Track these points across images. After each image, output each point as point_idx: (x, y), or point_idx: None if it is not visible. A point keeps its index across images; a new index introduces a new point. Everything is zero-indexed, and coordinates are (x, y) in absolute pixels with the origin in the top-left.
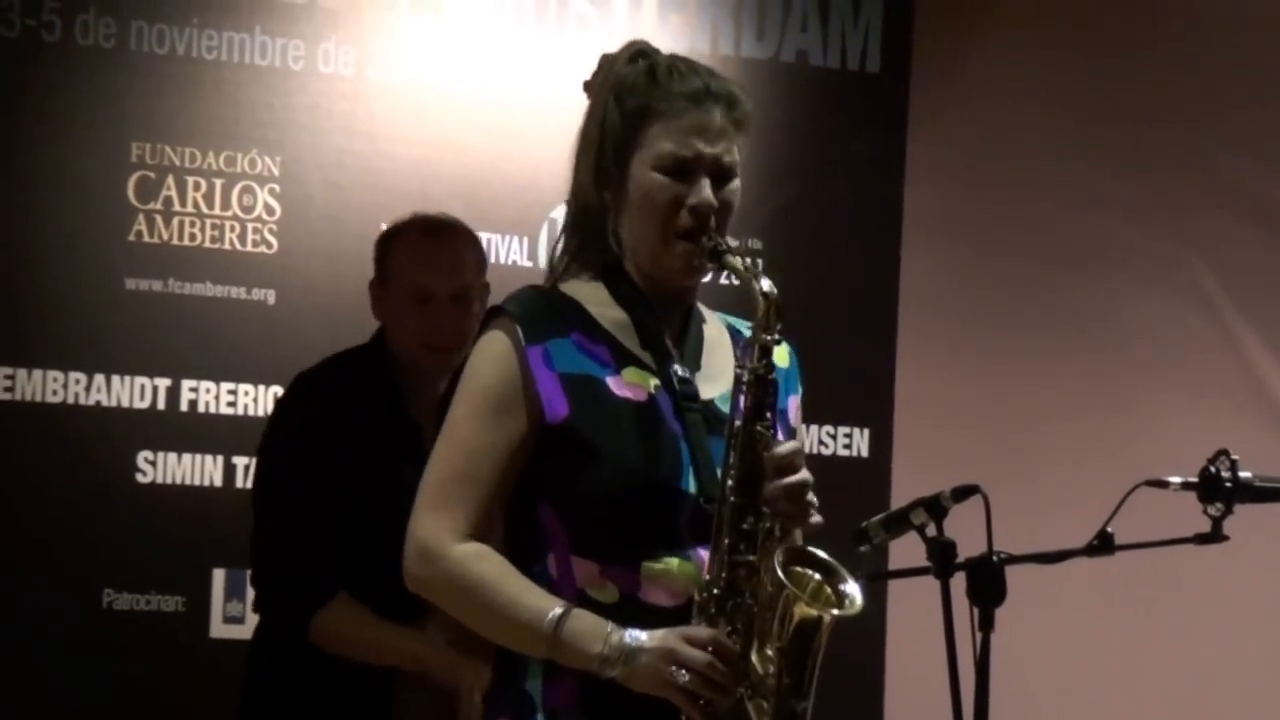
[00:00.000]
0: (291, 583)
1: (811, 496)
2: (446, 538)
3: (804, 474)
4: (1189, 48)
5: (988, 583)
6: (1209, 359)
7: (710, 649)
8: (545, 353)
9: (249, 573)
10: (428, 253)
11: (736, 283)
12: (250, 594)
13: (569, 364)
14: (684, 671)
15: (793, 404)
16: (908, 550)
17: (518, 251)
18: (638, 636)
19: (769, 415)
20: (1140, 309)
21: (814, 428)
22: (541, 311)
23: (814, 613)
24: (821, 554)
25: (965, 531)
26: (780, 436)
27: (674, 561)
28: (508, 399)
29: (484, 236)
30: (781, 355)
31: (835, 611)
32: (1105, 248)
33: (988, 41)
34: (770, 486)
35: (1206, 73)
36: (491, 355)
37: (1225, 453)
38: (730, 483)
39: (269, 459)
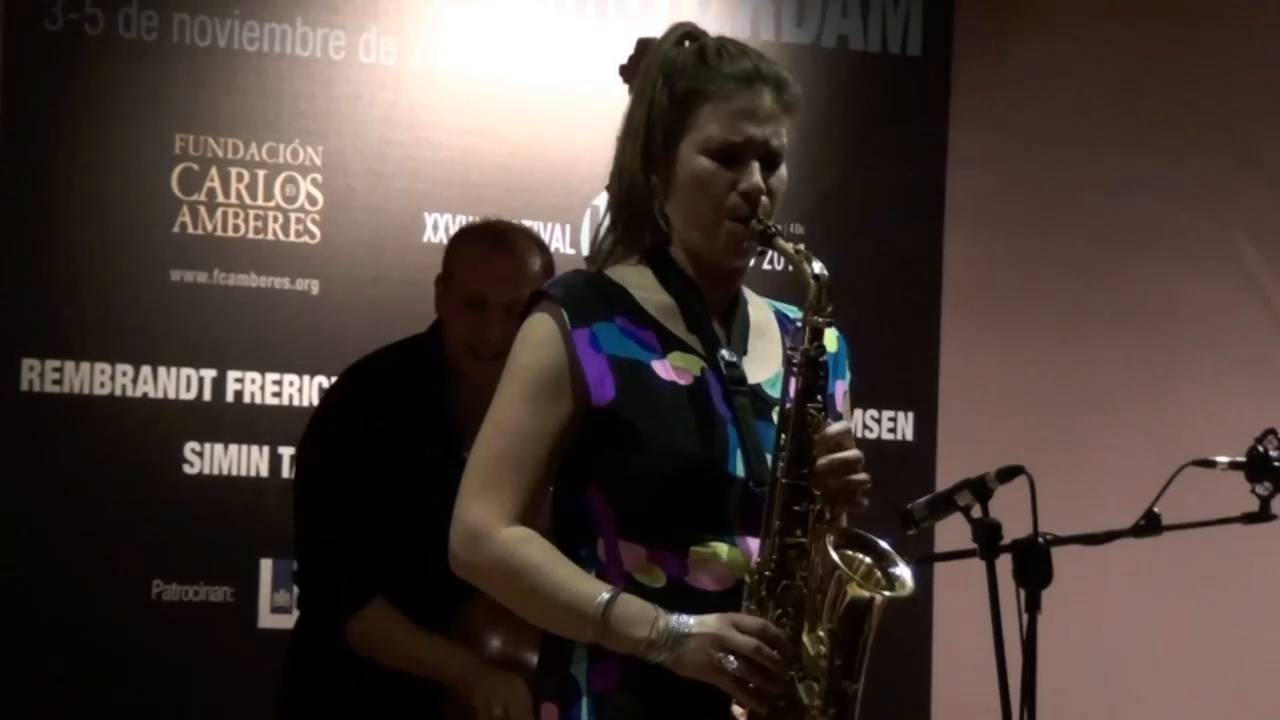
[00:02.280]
0: (329, 585)
1: (862, 475)
2: (493, 522)
3: (854, 452)
4: (1230, 29)
5: (1034, 564)
6: (1255, 339)
7: (760, 636)
8: (592, 336)
9: (295, 575)
10: (486, 259)
11: (782, 268)
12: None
13: (616, 347)
14: (732, 658)
15: (839, 389)
16: (954, 533)
17: (560, 239)
18: (686, 621)
19: (820, 397)
20: (1185, 290)
21: (859, 412)
22: (587, 295)
23: (865, 594)
24: (871, 537)
25: (1011, 514)
26: (828, 417)
27: (721, 547)
28: (555, 382)
29: (526, 224)
30: (830, 340)
31: (887, 593)
32: (1148, 230)
33: (1029, 24)
34: (821, 463)
35: (1248, 54)
36: (537, 338)
37: (1273, 432)
38: (781, 464)
39: (312, 455)
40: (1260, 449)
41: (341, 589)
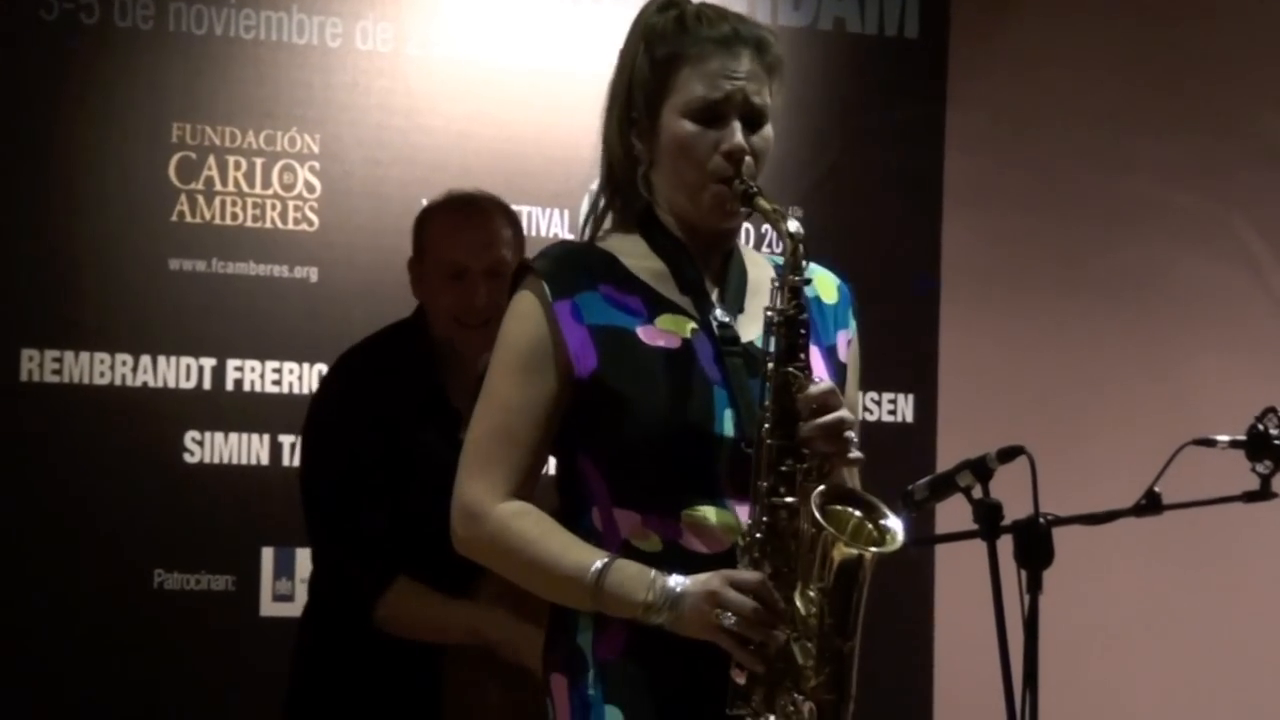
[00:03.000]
0: (354, 570)
1: (851, 434)
2: (489, 498)
3: (841, 412)
4: (1228, 7)
5: (1035, 545)
6: (1254, 317)
7: (754, 592)
8: (573, 307)
9: (310, 552)
10: (460, 228)
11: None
12: (299, 572)
13: (598, 316)
14: (729, 614)
15: (842, 339)
16: (955, 514)
17: (559, 224)
18: (681, 581)
19: (802, 356)
20: (1184, 270)
21: (858, 394)
22: (569, 266)
23: (854, 552)
24: (859, 491)
25: (1011, 495)
26: (825, 374)
27: (710, 510)
28: (538, 356)
29: (524, 209)
30: (829, 291)
31: (874, 549)
32: (1147, 210)
33: (1025, 6)
34: (806, 426)
35: (1247, 33)
36: (520, 314)
37: (1273, 410)
38: (766, 425)
39: (318, 444)
40: (1260, 427)
41: (367, 572)
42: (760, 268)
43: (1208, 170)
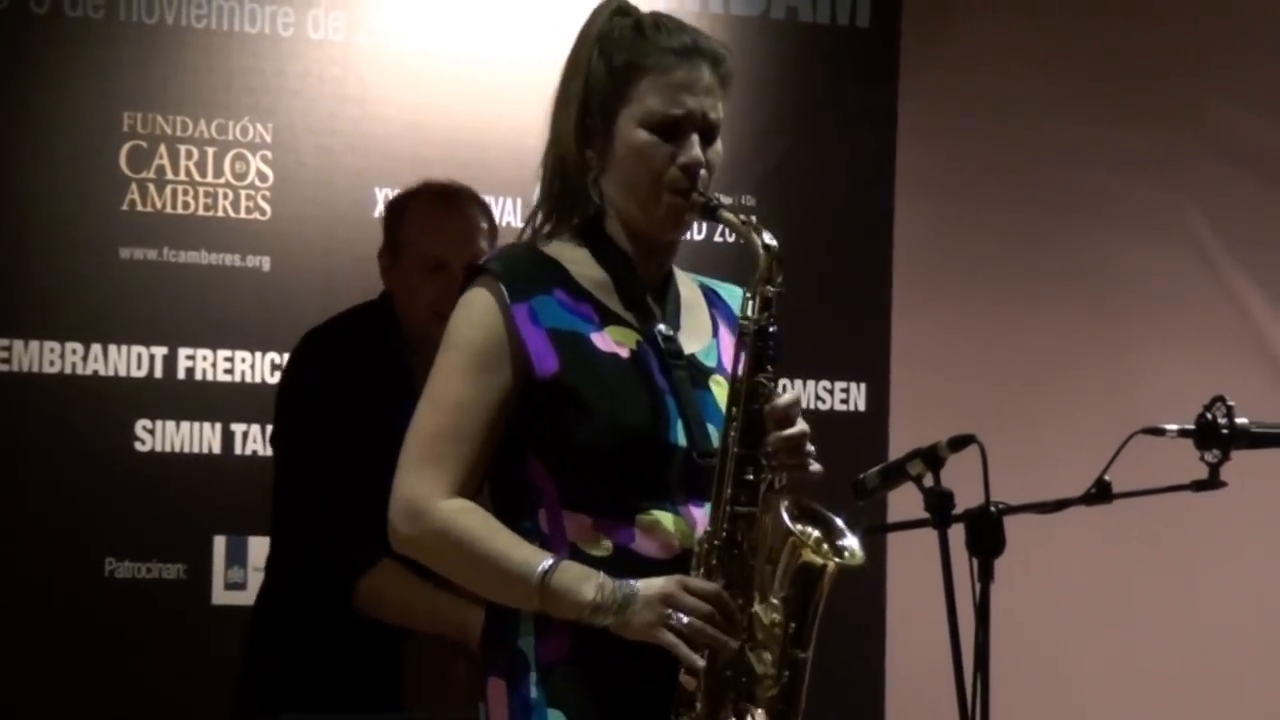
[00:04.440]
0: (336, 546)
1: (810, 447)
2: (432, 494)
3: (801, 425)
4: (1179, 1)
5: (986, 533)
6: (1204, 307)
7: (710, 599)
8: (530, 310)
9: (272, 535)
10: (440, 221)
11: (731, 240)
12: (252, 561)
13: (555, 320)
14: (683, 615)
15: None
16: (906, 503)
17: (511, 212)
18: (632, 584)
19: (770, 368)
20: (1135, 259)
21: (811, 383)
22: (524, 269)
23: (818, 560)
24: (821, 509)
25: (963, 483)
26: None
27: (665, 515)
28: (494, 355)
29: None
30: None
31: (838, 560)
32: (1099, 200)
33: None
34: (772, 439)
35: (1198, 25)
36: (475, 312)
37: (1221, 399)
38: (733, 434)
39: (293, 422)
40: (1209, 416)
41: (350, 550)
42: (687, 286)
43: (1159, 161)
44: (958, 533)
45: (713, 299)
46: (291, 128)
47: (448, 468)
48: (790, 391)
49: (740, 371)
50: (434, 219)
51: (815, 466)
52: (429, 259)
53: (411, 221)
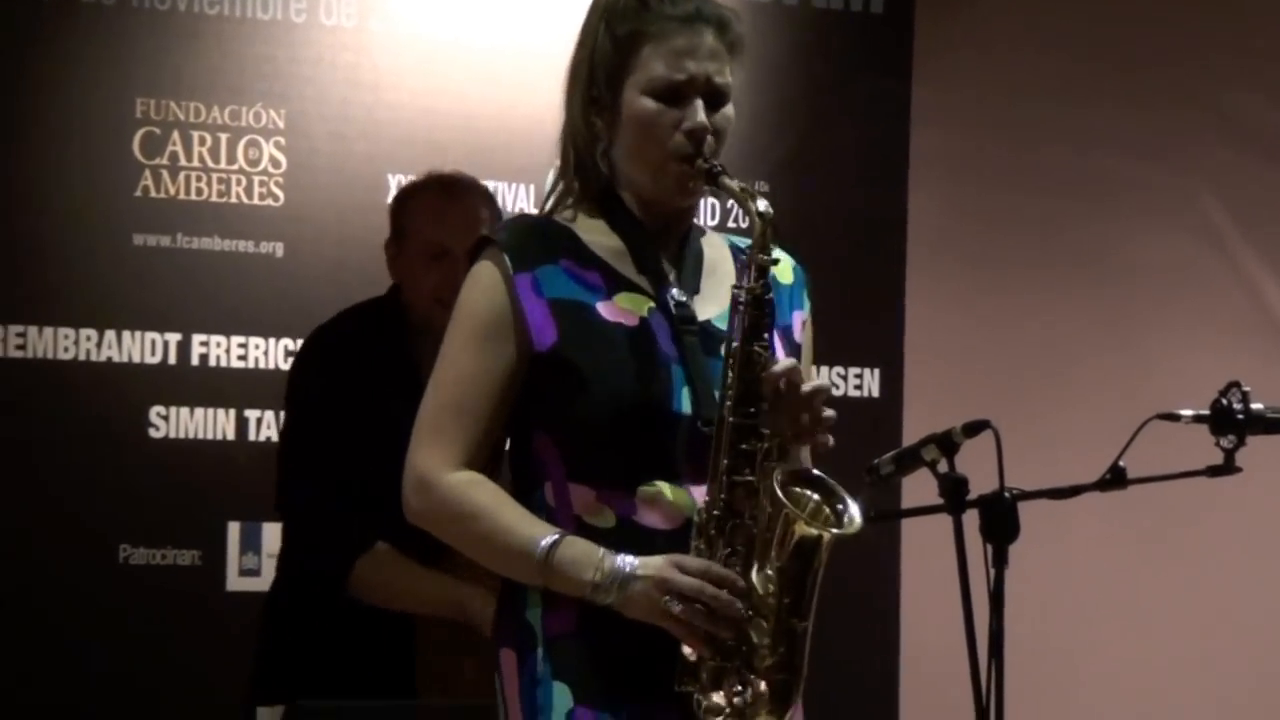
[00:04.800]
0: (330, 532)
1: (829, 412)
2: (441, 467)
3: (817, 382)
4: None
5: (1000, 519)
6: (1219, 292)
7: (704, 577)
8: (534, 280)
9: (281, 526)
10: (442, 210)
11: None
12: (266, 547)
13: (558, 290)
14: (677, 602)
15: (797, 320)
16: (920, 489)
17: (524, 199)
18: (630, 562)
19: (766, 336)
20: (1149, 245)
21: (825, 369)
22: (530, 240)
23: (813, 531)
24: (820, 475)
25: (977, 469)
26: (781, 353)
27: (666, 486)
28: (497, 328)
29: (489, 184)
30: (785, 272)
31: (834, 530)
32: (1112, 185)
33: None
34: (784, 403)
35: (1212, 9)
36: (480, 286)
37: (1237, 385)
38: (728, 403)
39: (295, 411)
40: (1224, 402)
41: (345, 533)
42: (716, 248)
43: (1173, 146)
44: (972, 518)
45: (740, 260)
46: (304, 114)
47: (455, 440)
48: (787, 359)
49: (734, 340)
50: (437, 207)
51: (828, 437)
52: (431, 246)
53: (415, 210)
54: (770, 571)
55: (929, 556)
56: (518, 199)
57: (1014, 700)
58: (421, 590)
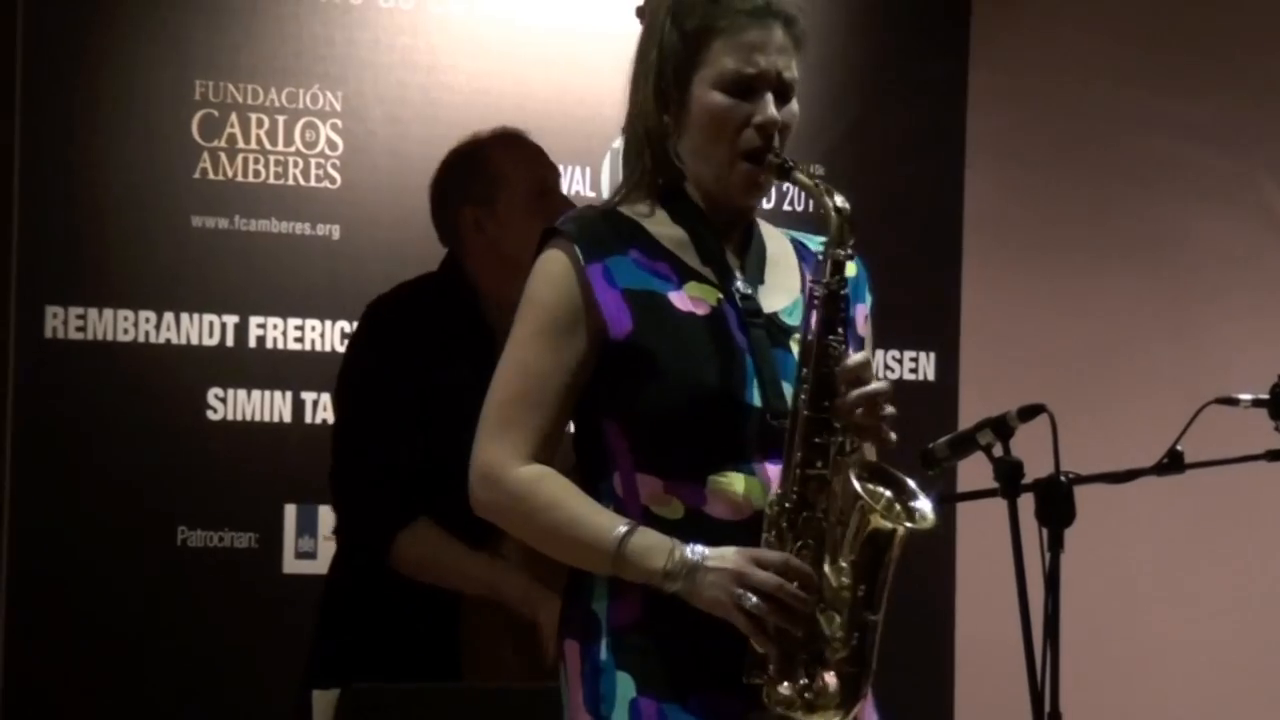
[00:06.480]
0: (373, 504)
1: (889, 409)
2: (509, 460)
3: (880, 383)
4: None
5: (1056, 503)
6: (1277, 276)
7: (783, 572)
8: (605, 270)
9: (332, 500)
10: (531, 151)
11: (804, 207)
12: (322, 529)
13: (630, 279)
14: (752, 595)
15: (860, 313)
16: (976, 472)
17: (580, 182)
18: (702, 552)
19: (841, 330)
20: (1207, 230)
21: (880, 352)
22: (599, 230)
23: (888, 525)
24: (893, 470)
25: (1032, 453)
26: (849, 348)
27: (738, 477)
28: (569, 319)
29: None
30: (849, 266)
31: (909, 524)
32: (1169, 169)
33: None
34: (845, 399)
35: None
36: (551, 275)
37: None
38: (803, 397)
39: (349, 385)
40: None
41: (387, 506)
42: (776, 240)
43: (1234, 131)
44: (1027, 502)
45: (803, 254)
46: (361, 96)
47: (523, 433)
48: (861, 353)
49: (810, 335)
50: (524, 149)
51: (890, 435)
52: (536, 183)
53: (503, 160)
54: (844, 564)
55: (984, 540)
56: (574, 182)
57: (1069, 684)
58: (460, 567)
